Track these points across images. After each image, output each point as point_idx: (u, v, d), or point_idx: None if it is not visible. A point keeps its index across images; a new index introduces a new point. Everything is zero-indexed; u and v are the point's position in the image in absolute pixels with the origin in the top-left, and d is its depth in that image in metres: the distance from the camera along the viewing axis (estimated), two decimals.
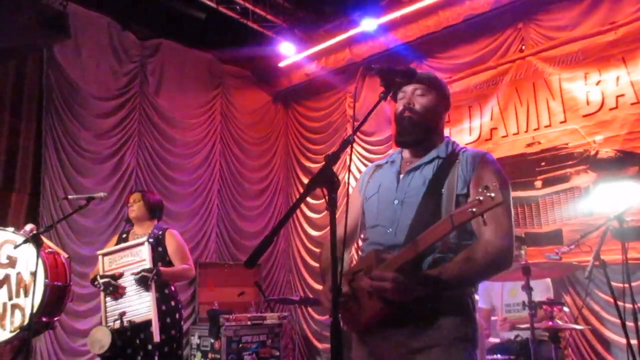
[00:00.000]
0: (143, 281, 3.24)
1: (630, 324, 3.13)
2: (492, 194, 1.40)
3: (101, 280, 3.31)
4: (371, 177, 2.05)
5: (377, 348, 1.76)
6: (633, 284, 3.33)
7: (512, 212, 1.77)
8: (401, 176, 1.91)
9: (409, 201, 1.81)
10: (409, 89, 1.90)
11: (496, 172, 1.83)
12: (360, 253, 2.00)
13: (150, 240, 3.41)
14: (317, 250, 6.71)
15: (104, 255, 3.45)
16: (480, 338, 3.15)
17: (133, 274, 3.29)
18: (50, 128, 5.23)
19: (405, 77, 1.77)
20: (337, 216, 1.45)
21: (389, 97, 1.74)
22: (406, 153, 1.97)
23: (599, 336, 4.27)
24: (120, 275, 3.33)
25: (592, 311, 4.32)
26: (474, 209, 1.43)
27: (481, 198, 1.42)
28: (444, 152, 1.89)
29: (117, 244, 3.59)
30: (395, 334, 1.71)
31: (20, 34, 4.38)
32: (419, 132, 1.88)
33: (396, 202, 1.84)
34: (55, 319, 3.59)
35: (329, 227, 1.45)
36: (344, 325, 1.81)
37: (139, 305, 3.26)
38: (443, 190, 1.77)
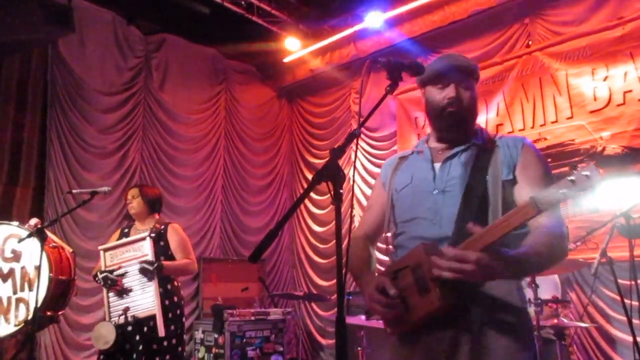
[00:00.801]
0: (144, 270, 3.24)
1: (636, 321, 3.11)
2: (587, 172, 1.22)
3: (100, 276, 3.32)
4: (397, 169, 1.91)
5: (427, 350, 1.62)
6: (639, 281, 3.30)
7: None
8: (437, 165, 1.79)
9: (451, 190, 1.70)
10: (451, 81, 1.76)
11: (540, 158, 1.76)
12: (392, 250, 1.86)
13: (152, 235, 3.40)
14: (322, 246, 6.71)
15: (105, 250, 3.45)
16: None
17: (138, 261, 3.29)
18: (54, 123, 5.23)
19: (413, 72, 1.69)
20: (342, 210, 1.42)
21: (394, 92, 1.70)
22: (434, 143, 1.87)
23: (604, 334, 4.24)
24: (119, 268, 3.33)
25: (598, 308, 4.30)
26: (565, 190, 1.25)
27: (574, 178, 1.24)
28: (480, 139, 1.80)
29: (119, 238, 3.59)
30: (449, 335, 1.58)
31: (25, 28, 4.37)
32: (467, 128, 1.80)
33: (436, 192, 1.73)
34: (60, 313, 3.59)
35: (334, 223, 1.43)
36: (386, 326, 1.71)
37: (143, 300, 3.26)
38: (488, 177, 1.67)
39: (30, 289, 3.39)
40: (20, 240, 3.35)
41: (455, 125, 1.78)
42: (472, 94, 1.79)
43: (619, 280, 3.20)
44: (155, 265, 3.26)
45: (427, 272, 1.52)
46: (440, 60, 1.81)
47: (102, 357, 3.28)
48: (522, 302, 1.65)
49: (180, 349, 3.43)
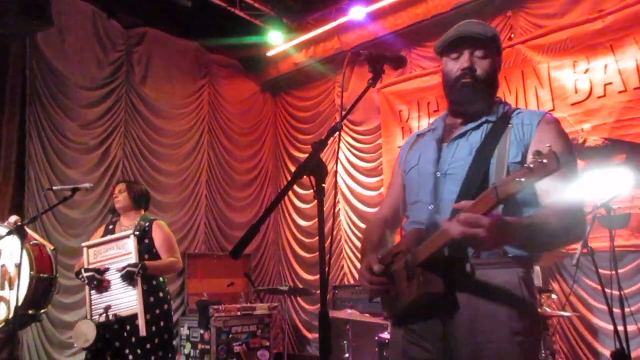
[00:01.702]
0: (128, 276, 3.19)
1: (617, 310, 3.16)
2: (545, 160, 1.17)
3: (85, 274, 3.25)
4: (411, 148, 1.82)
5: (422, 335, 1.57)
6: (620, 270, 3.35)
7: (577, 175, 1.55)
8: (444, 145, 1.68)
9: (453, 173, 1.59)
10: (466, 50, 1.64)
11: (560, 134, 1.57)
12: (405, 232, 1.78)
13: (136, 232, 3.35)
14: (307, 240, 6.71)
15: (89, 247, 3.39)
16: None
17: (118, 270, 3.24)
18: (34, 118, 5.14)
19: (395, 65, 1.67)
20: (326, 204, 1.41)
21: (377, 86, 1.68)
22: (450, 119, 1.74)
23: (586, 323, 4.31)
24: (106, 270, 3.28)
25: (580, 298, 4.36)
26: (523, 179, 1.20)
27: (532, 165, 1.19)
28: (495, 114, 1.64)
29: (103, 234, 3.54)
30: (438, 325, 1.52)
31: (1, 22, 4.28)
32: (482, 101, 1.65)
33: (438, 174, 1.62)
34: (42, 311, 3.54)
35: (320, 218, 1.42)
36: (383, 309, 1.70)
37: (125, 298, 3.21)
38: (492, 159, 1.53)
39: (11, 288, 3.33)
40: (0, 238, 3.29)
41: (468, 99, 1.65)
42: (491, 64, 1.65)
43: (600, 270, 3.25)
44: (139, 266, 3.21)
45: (414, 259, 1.49)
46: (456, 28, 1.69)
47: (89, 356, 3.24)
48: (527, 294, 1.50)
49: (169, 345, 3.38)
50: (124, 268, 3.21)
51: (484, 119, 1.64)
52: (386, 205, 1.91)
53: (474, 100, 1.65)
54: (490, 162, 1.53)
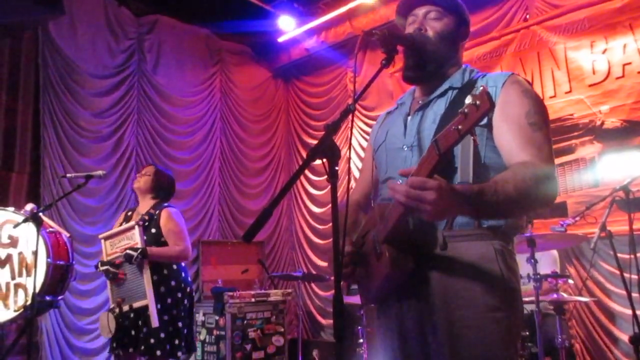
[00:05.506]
0: (127, 259, 3.23)
1: (635, 295, 3.12)
2: (477, 102, 1.10)
3: (101, 268, 3.33)
4: (381, 126, 1.76)
5: (397, 320, 1.51)
6: (639, 255, 3.30)
7: (550, 137, 1.43)
8: (409, 117, 1.60)
9: (420, 145, 1.49)
10: (421, 11, 1.58)
11: (526, 94, 1.48)
12: None
13: (140, 222, 3.36)
14: (320, 226, 6.70)
15: (106, 239, 3.44)
16: None
17: (121, 250, 3.29)
18: (48, 107, 5.17)
19: (409, 44, 1.59)
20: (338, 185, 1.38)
21: (390, 70, 1.64)
22: (418, 92, 1.67)
23: (603, 308, 4.26)
24: (121, 263, 3.32)
25: (597, 283, 4.31)
26: (460, 126, 1.13)
27: (466, 110, 1.12)
28: (459, 81, 1.55)
29: (122, 222, 3.60)
30: (412, 305, 1.45)
31: (14, 11, 4.29)
32: (433, 63, 1.56)
33: (405, 148, 1.54)
34: (59, 298, 3.59)
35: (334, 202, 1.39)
36: (360, 298, 1.65)
37: (137, 289, 3.25)
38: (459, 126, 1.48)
39: (29, 275, 3.38)
40: (16, 226, 3.34)
41: (418, 63, 1.56)
42: (446, 25, 1.57)
43: (618, 254, 3.20)
44: (139, 251, 3.21)
45: (378, 236, 1.42)
46: None
47: (114, 344, 3.30)
48: (504, 267, 1.41)
49: (180, 332, 3.40)
50: (124, 249, 3.25)
51: (447, 86, 1.56)
52: (358, 189, 1.86)
53: (425, 65, 1.56)
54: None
